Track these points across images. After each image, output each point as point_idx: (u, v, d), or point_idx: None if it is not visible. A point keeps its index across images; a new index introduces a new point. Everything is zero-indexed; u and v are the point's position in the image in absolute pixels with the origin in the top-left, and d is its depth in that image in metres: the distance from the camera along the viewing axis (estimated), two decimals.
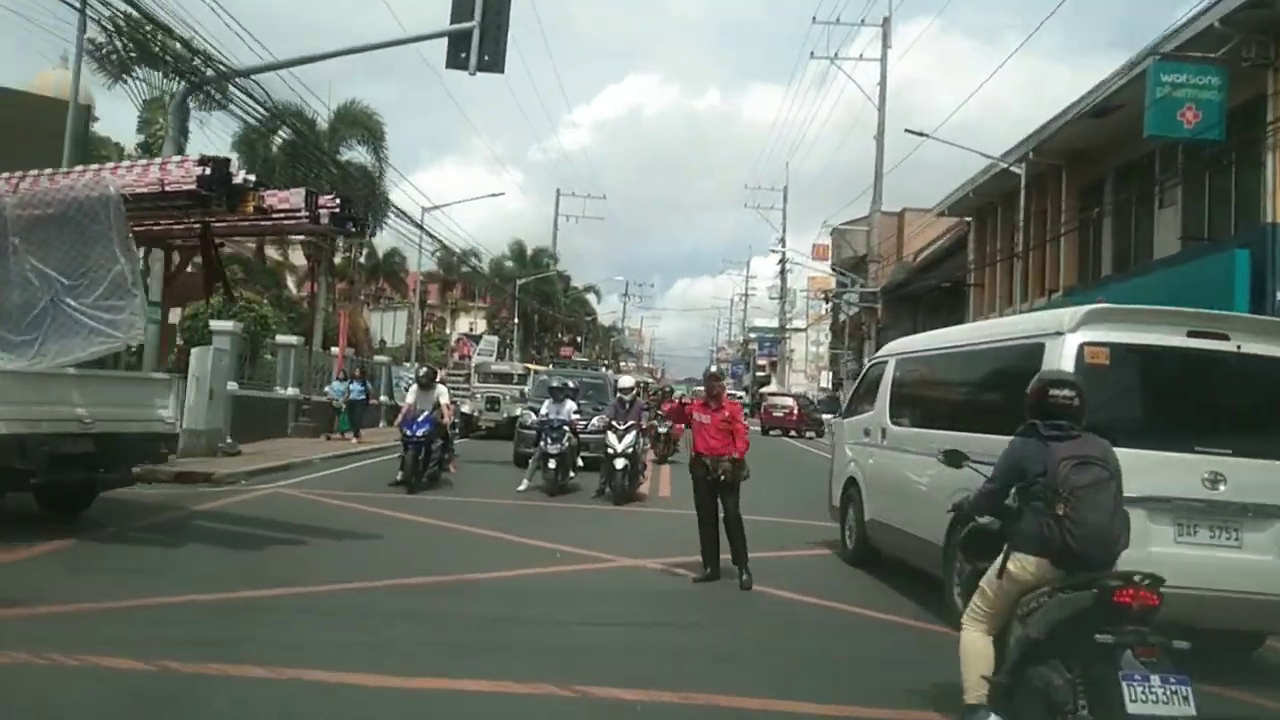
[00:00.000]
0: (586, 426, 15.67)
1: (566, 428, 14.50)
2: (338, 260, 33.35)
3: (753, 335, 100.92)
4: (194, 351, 17.11)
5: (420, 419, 14.09)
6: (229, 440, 17.51)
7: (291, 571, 8.07)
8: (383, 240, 37.26)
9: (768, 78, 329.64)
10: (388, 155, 29.09)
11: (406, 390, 31.94)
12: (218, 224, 10.75)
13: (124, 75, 34.19)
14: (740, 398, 76.01)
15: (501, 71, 13.76)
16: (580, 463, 15.15)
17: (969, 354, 8.18)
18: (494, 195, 52.96)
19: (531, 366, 32.34)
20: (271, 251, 34.98)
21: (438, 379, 15.30)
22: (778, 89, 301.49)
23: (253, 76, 17.70)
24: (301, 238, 28.65)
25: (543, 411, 14.82)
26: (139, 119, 33.47)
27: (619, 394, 14.43)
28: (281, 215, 10.14)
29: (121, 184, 9.21)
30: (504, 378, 27.91)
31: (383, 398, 30.07)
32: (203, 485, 14.09)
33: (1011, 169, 23.27)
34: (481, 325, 62.75)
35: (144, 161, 10.75)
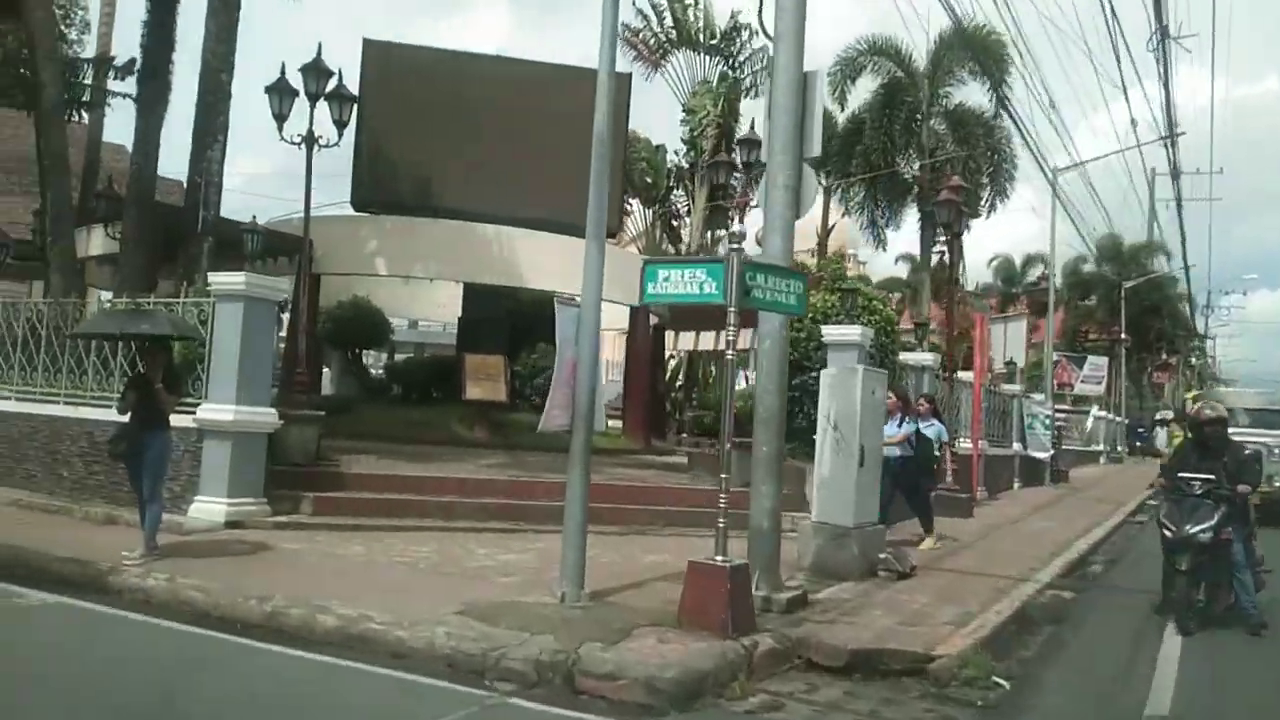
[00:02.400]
0: None
1: None
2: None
3: None
4: (828, 378, 9.09)
5: None
6: (889, 549, 9.25)
7: None
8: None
9: None
10: (1011, 91, 19.62)
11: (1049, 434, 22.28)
12: None
13: (662, 61, 29.69)
14: None
15: None
16: None
17: None
18: (1168, 137, 36.65)
19: None
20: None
21: None
22: None
23: None
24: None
25: None
26: (683, 111, 28.34)
27: None
28: None
29: None
30: (1272, 420, 16.25)
31: (1015, 446, 20.51)
32: (915, 692, 5.89)
33: None
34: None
35: None
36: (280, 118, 12.29)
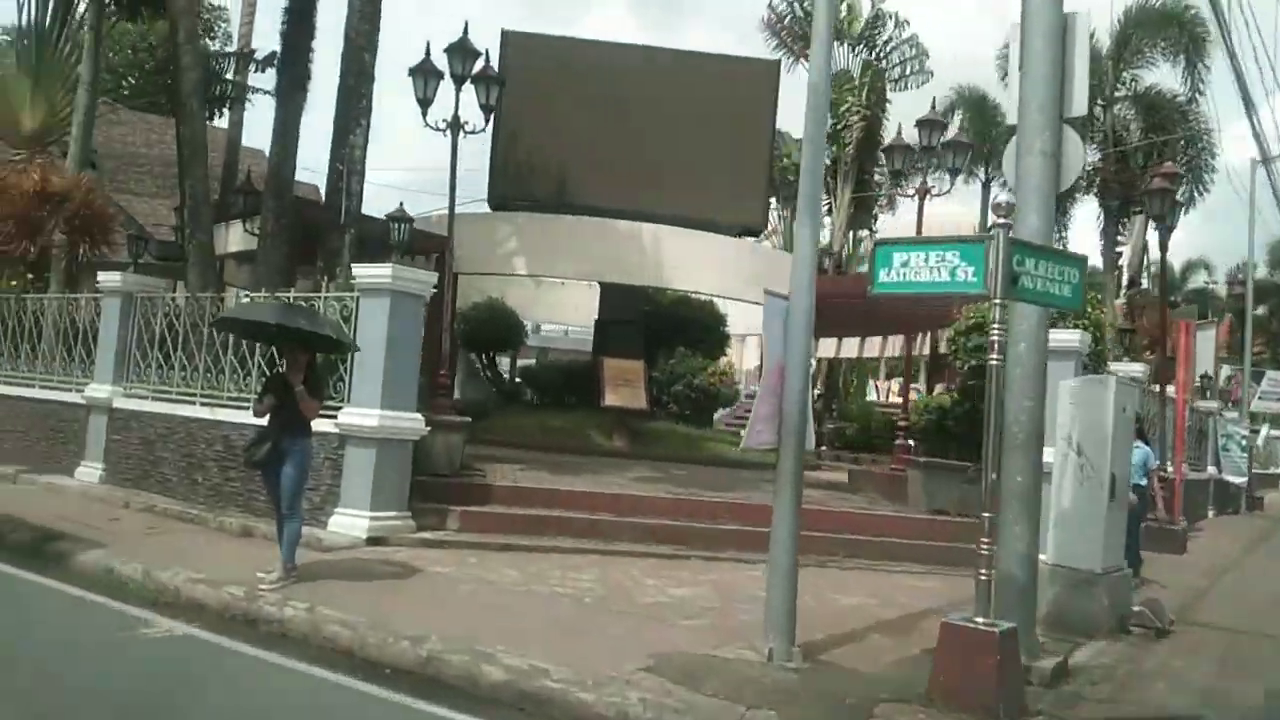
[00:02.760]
0: None
1: None
2: None
3: None
4: (1069, 391, 7.55)
5: None
6: (1143, 603, 7.67)
7: None
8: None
9: None
10: (1207, 72, 17.39)
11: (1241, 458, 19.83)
12: None
13: (805, 52, 28.22)
14: None
15: None
16: None
17: None
18: None
19: None
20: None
21: None
22: None
23: None
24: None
25: None
26: None
27: None
28: None
29: None
30: None
31: (1209, 470, 18.28)
32: None
33: None
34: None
35: None
36: (424, 102, 11.48)
